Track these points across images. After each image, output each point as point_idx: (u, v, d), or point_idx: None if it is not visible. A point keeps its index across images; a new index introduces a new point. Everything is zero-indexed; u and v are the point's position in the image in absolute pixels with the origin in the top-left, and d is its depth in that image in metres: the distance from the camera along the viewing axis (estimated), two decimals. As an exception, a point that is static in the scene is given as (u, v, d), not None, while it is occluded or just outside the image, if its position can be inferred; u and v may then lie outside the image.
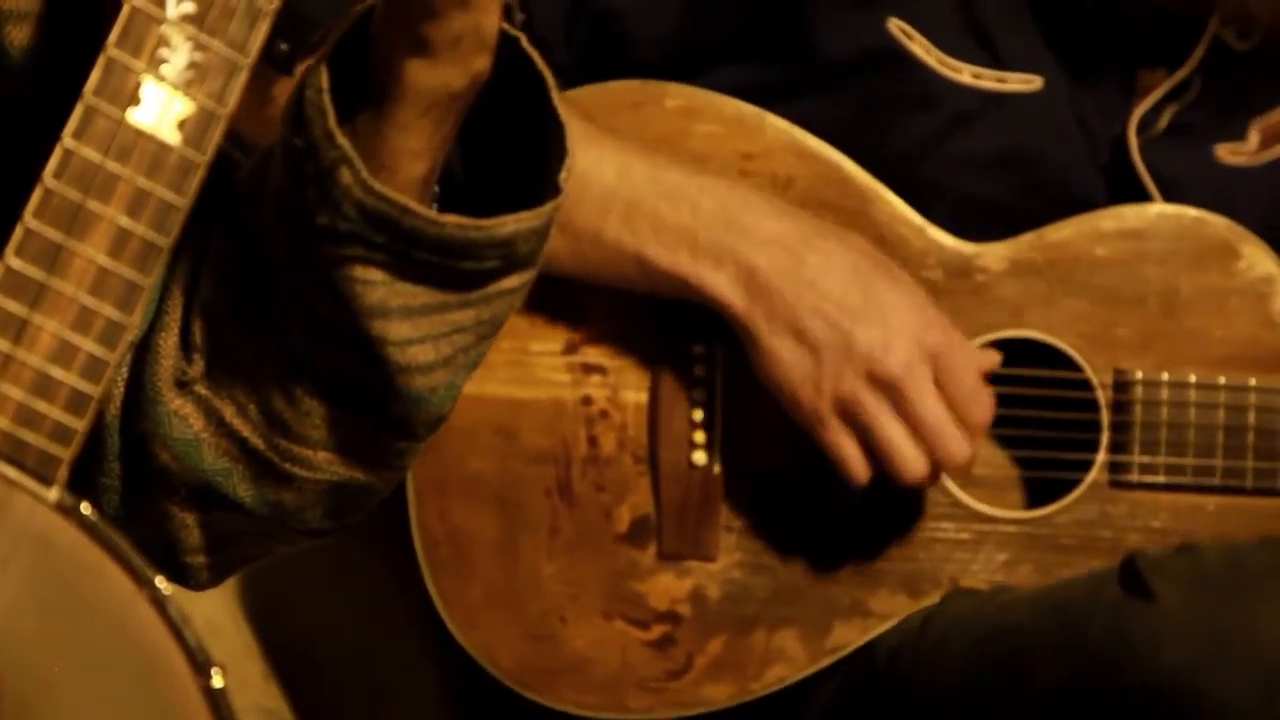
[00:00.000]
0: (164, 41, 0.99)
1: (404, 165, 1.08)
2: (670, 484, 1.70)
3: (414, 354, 1.11)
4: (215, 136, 1.01)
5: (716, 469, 1.70)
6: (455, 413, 1.68)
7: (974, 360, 1.65)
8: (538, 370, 1.70)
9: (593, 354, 1.70)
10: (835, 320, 1.63)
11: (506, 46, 1.09)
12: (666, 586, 1.70)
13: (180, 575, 1.17)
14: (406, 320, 1.10)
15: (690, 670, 1.70)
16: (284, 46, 1.08)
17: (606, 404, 1.70)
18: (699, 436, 1.70)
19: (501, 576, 1.69)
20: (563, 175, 1.11)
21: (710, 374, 1.70)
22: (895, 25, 1.67)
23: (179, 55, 0.99)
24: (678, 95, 1.70)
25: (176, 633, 1.00)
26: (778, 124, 1.70)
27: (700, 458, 1.70)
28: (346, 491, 1.16)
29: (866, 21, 1.67)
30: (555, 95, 1.11)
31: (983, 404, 1.64)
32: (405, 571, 1.68)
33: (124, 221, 1.00)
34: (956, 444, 1.63)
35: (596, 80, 1.69)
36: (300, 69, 1.09)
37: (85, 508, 1.00)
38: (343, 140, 1.07)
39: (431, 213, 1.09)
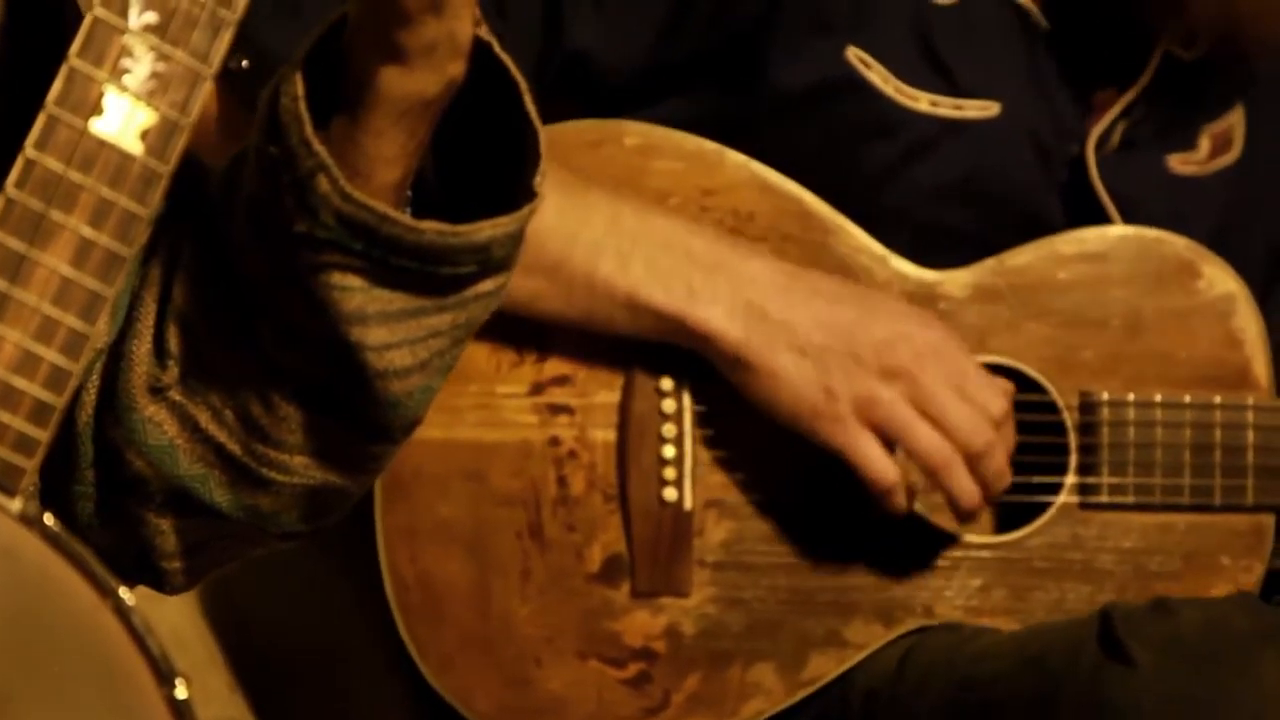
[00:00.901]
0: (126, 51, 0.99)
1: (379, 171, 1.08)
2: (641, 521, 1.70)
3: (391, 359, 1.11)
4: (178, 146, 1.01)
5: (688, 504, 1.70)
6: (423, 459, 1.70)
7: (973, 361, 1.65)
8: (504, 412, 1.70)
9: (559, 394, 1.70)
10: (835, 328, 1.63)
11: (479, 52, 1.10)
12: (641, 624, 1.70)
13: (155, 580, 1.17)
14: (384, 325, 1.10)
15: (668, 707, 1.70)
16: (244, 63, 1.09)
17: (575, 443, 1.70)
18: (669, 472, 1.70)
19: (475, 621, 1.68)
20: (537, 179, 1.12)
21: (679, 409, 1.70)
22: (854, 54, 1.69)
23: (141, 65, 0.99)
24: (636, 133, 1.71)
25: (140, 643, 0.99)
26: (737, 159, 1.71)
27: (671, 494, 1.70)
28: (322, 494, 1.16)
29: (825, 50, 1.68)
30: (528, 100, 1.12)
31: (996, 390, 1.63)
32: (374, 603, 1.68)
33: (87, 232, 1.00)
34: (976, 423, 1.61)
35: (556, 111, 1.70)
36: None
37: (48, 519, 1.00)
38: (320, 148, 1.07)
39: (410, 220, 1.09)
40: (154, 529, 1.15)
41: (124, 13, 0.99)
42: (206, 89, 1.01)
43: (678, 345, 1.67)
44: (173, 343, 1.13)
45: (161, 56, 0.99)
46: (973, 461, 1.64)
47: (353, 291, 1.10)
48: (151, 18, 0.99)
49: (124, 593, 1.00)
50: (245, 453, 1.13)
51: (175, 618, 1.57)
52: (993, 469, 1.64)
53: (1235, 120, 1.80)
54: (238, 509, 1.15)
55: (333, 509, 1.18)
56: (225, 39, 1.01)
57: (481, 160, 1.14)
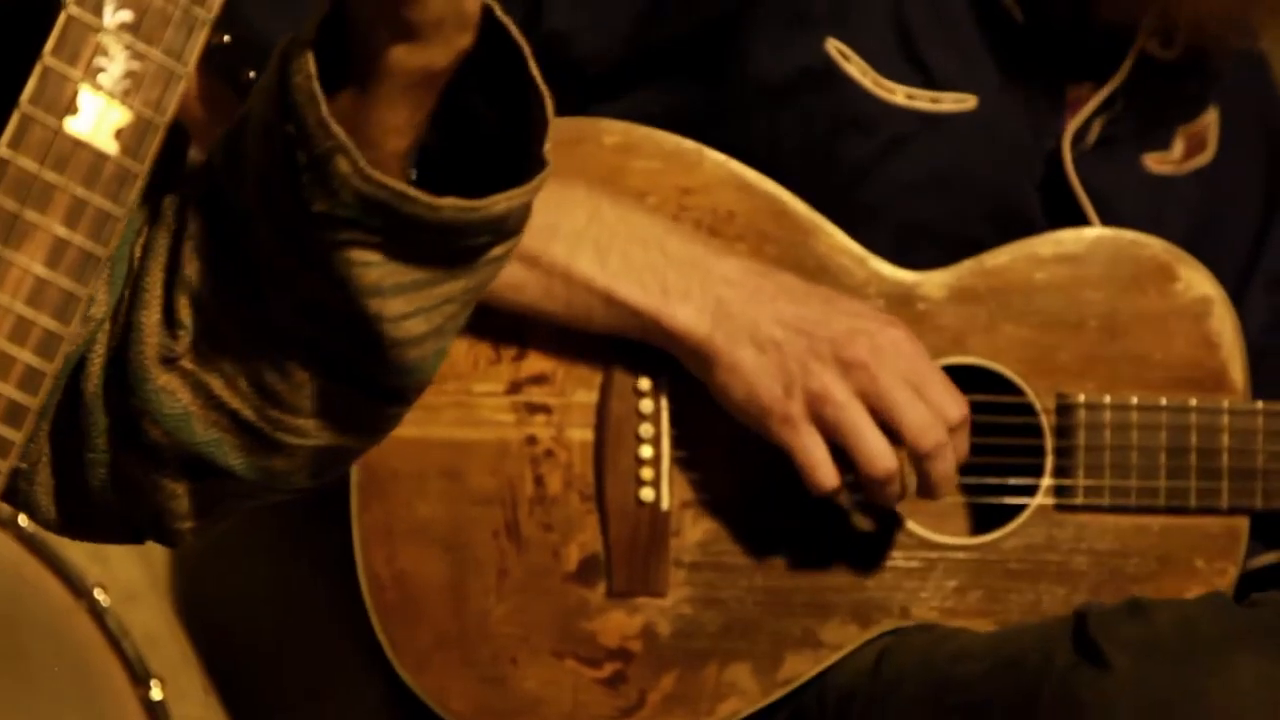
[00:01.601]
0: (101, 50, 0.99)
1: (388, 141, 1.09)
2: (618, 521, 1.70)
3: (408, 328, 1.12)
4: (153, 146, 1.01)
5: (665, 505, 1.70)
6: (400, 457, 1.70)
7: (934, 365, 1.66)
8: (482, 411, 1.70)
9: (537, 393, 1.70)
10: (797, 324, 1.64)
11: (482, 18, 1.10)
12: (617, 624, 1.70)
13: (166, 538, 1.18)
14: (400, 296, 1.11)
15: (643, 707, 1.70)
16: (251, 74, 1.09)
17: (552, 443, 1.70)
18: (646, 473, 1.70)
19: (451, 620, 1.68)
20: (546, 146, 1.12)
21: (656, 409, 1.70)
22: (833, 46, 1.69)
23: (116, 64, 0.99)
24: (615, 131, 1.71)
25: (115, 645, 0.99)
26: (716, 158, 1.71)
27: (648, 494, 1.70)
28: (335, 454, 1.17)
29: (804, 41, 1.68)
30: (532, 65, 1.12)
31: (952, 393, 1.64)
32: (350, 602, 1.68)
33: (61, 231, 0.99)
34: (927, 422, 1.62)
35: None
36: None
37: (23, 520, 1.00)
38: (338, 129, 1.07)
39: (429, 197, 1.10)
40: (169, 494, 1.16)
41: (99, 11, 0.98)
42: (181, 88, 1.01)
43: (651, 344, 1.67)
44: (183, 312, 1.13)
45: (136, 55, 0.99)
46: (920, 461, 1.64)
47: (371, 266, 1.10)
48: (126, 16, 0.99)
49: (99, 594, 1.00)
50: (260, 418, 1.14)
51: (149, 618, 1.57)
52: (939, 471, 1.65)
53: (1209, 121, 1.81)
54: (253, 471, 1.16)
55: (343, 465, 1.20)
56: (200, 37, 1.01)
57: (483, 126, 1.14)
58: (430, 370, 1.15)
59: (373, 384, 1.14)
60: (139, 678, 0.99)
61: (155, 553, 1.71)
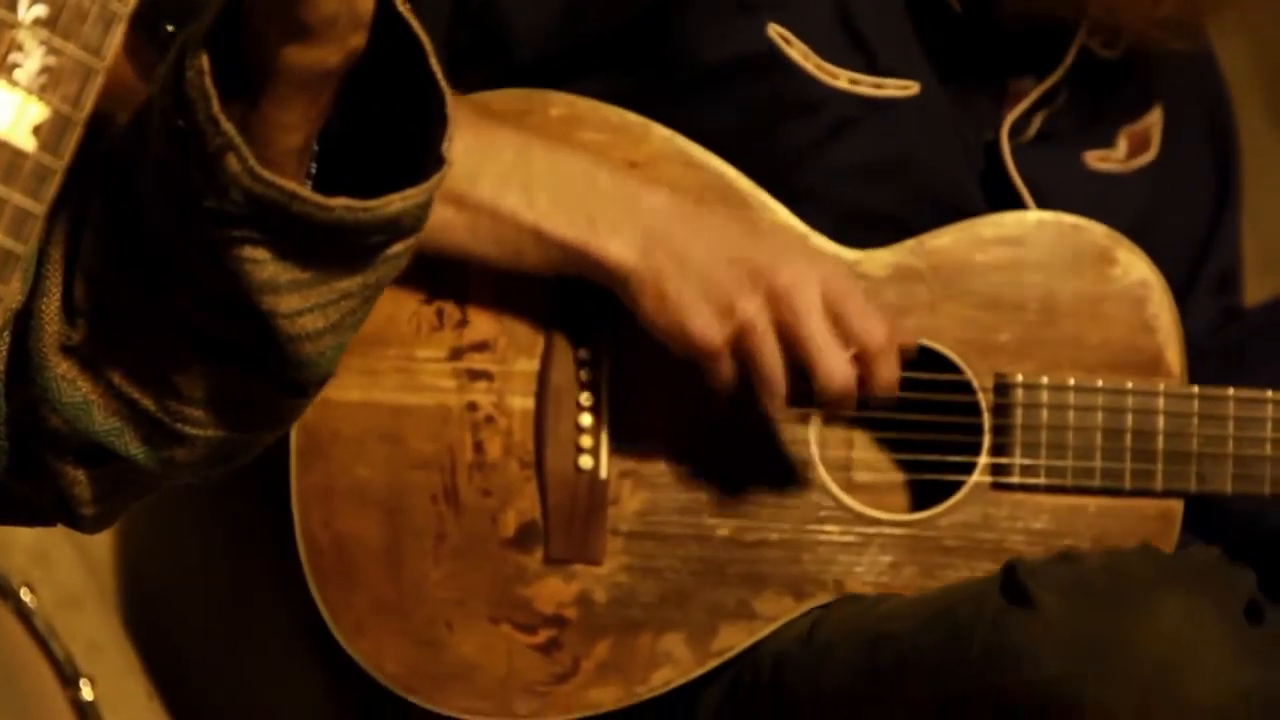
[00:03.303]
0: (16, 46, 0.98)
1: (279, 138, 1.08)
2: (557, 488, 1.70)
3: (304, 324, 1.12)
4: (72, 141, 1.00)
5: (603, 473, 1.71)
6: (341, 420, 1.70)
7: (856, 291, 1.66)
8: (423, 376, 1.70)
9: (478, 359, 1.70)
10: (724, 254, 1.64)
11: (384, 12, 1.09)
12: (553, 591, 1.70)
13: (72, 523, 1.18)
14: (295, 293, 1.11)
15: (577, 674, 1.70)
16: (170, 28, 1.08)
17: (492, 409, 1.70)
18: (585, 440, 1.71)
19: (387, 583, 1.69)
20: (445, 145, 1.12)
21: (597, 378, 1.71)
22: (774, 30, 1.69)
23: (32, 60, 0.98)
24: (561, 104, 1.70)
25: (43, 645, 0.99)
26: (662, 132, 1.71)
27: (587, 461, 1.71)
28: (236, 444, 1.17)
29: (746, 26, 1.68)
30: (433, 60, 1.12)
31: (876, 316, 1.64)
32: (289, 587, 1.68)
33: (-22, 228, 0.99)
34: (837, 365, 1.63)
35: (476, 87, 1.69)
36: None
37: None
38: (227, 126, 1.07)
39: (319, 197, 1.09)
40: (70, 479, 1.16)
41: (13, 6, 0.97)
42: (100, 82, 1.00)
43: (584, 278, 1.66)
44: (82, 300, 1.13)
45: (52, 50, 0.98)
46: (828, 402, 1.65)
47: (262, 263, 1.10)
48: (41, 11, 0.98)
49: (25, 594, 1.00)
50: (159, 408, 1.14)
51: (92, 624, 1.57)
52: (847, 406, 1.66)
53: (1153, 121, 1.81)
54: (153, 460, 1.15)
55: (245, 456, 1.20)
56: (118, 32, 1.00)
57: (388, 122, 1.14)
58: (329, 364, 1.15)
59: (271, 376, 1.14)
60: (68, 678, 0.99)
61: (98, 558, 1.71)
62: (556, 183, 1.64)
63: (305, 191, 1.09)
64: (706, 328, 1.63)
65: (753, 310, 1.63)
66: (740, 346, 1.64)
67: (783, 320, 1.63)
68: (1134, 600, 1.54)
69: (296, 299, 1.11)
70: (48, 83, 0.99)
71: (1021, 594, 1.56)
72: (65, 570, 1.60)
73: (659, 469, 1.71)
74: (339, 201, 1.09)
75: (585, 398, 1.70)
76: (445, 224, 1.63)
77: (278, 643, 1.73)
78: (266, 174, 1.08)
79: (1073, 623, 1.53)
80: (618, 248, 1.63)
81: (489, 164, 1.63)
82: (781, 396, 1.65)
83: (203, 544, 1.75)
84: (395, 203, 1.10)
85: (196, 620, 1.80)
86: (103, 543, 1.67)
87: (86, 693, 1.00)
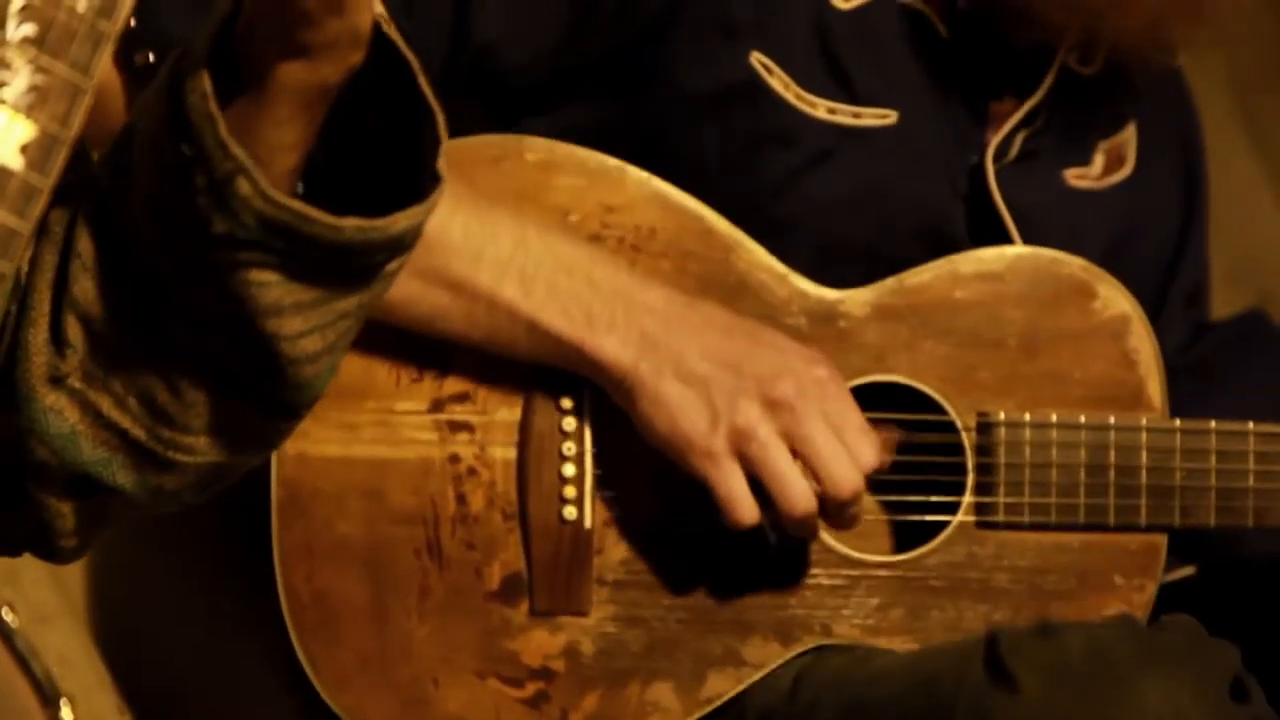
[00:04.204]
0: (4, 64, 0.98)
1: (279, 159, 1.09)
2: (541, 539, 1.69)
3: (304, 346, 1.13)
4: (59, 161, 1.00)
5: (588, 523, 1.70)
6: (322, 476, 1.69)
7: (855, 407, 1.66)
8: (404, 430, 1.69)
9: (459, 411, 1.70)
10: (723, 359, 1.64)
11: (372, 35, 1.10)
12: (540, 643, 1.69)
13: (47, 555, 1.17)
14: (298, 315, 1.12)
15: (566, 727, 1.69)
16: (149, 58, 1.08)
17: (474, 461, 1.69)
18: (569, 491, 1.70)
19: (372, 639, 1.67)
20: (440, 162, 1.12)
21: (579, 427, 1.70)
22: (756, 59, 1.69)
23: (20, 78, 0.98)
24: (537, 149, 1.70)
25: (23, 665, 0.98)
26: (638, 175, 1.71)
27: (571, 512, 1.70)
28: (224, 470, 1.17)
29: (729, 54, 1.69)
30: (422, 80, 1.12)
31: (871, 441, 1.65)
32: (264, 607, 1.67)
33: (-34, 246, 0.98)
34: (846, 473, 1.63)
35: (462, 115, 1.69)
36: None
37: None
38: (237, 150, 1.07)
39: (330, 218, 1.10)
40: (54, 512, 1.15)
41: (1, 25, 0.97)
42: (88, 101, 1.00)
43: (576, 373, 1.67)
44: (71, 331, 1.12)
45: (40, 69, 0.98)
46: (833, 506, 1.65)
47: (269, 286, 1.10)
48: (30, 30, 0.98)
49: (7, 614, 0.98)
50: (150, 437, 1.14)
51: (64, 639, 1.56)
52: (852, 514, 1.66)
53: (1128, 137, 1.82)
54: (141, 490, 1.15)
55: (229, 480, 1.20)
56: (105, 51, 1.00)
57: (372, 143, 1.15)
58: (323, 385, 1.16)
59: (267, 400, 1.14)
60: (48, 698, 0.98)
61: (68, 574, 1.70)
62: (553, 275, 1.64)
63: (317, 213, 1.10)
64: (704, 435, 1.63)
65: (754, 417, 1.62)
66: (746, 455, 1.63)
67: (788, 431, 1.63)
68: (1116, 684, 1.54)
69: (299, 321, 1.11)
70: (35, 101, 0.99)
71: (1003, 673, 1.55)
72: (36, 586, 1.59)
73: (643, 517, 1.71)
74: (349, 222, 1.10)
75: (568, 447, 1.70)
76: (444, 310, 1.63)
77: (249, 657, 1.71)
78: (279, 196, 1.08)
79: (1054, 708, 1.53)
80: (613, 347, 1.64)
81: (488, 249, 1.63)
82: (809, 505, 1.63)
83: (173, 559, 1.74)
84: (402, 221, 1.11)
85: (167, 636, 1.79)
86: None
87: (65, 712, 0.99)
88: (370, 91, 1.12)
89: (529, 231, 1.65)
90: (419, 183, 1.12)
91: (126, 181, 1.11)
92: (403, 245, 1.12)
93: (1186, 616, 1.60)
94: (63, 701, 0.99)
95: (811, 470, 1.64)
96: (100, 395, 1.13)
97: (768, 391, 1.63)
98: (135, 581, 1.76)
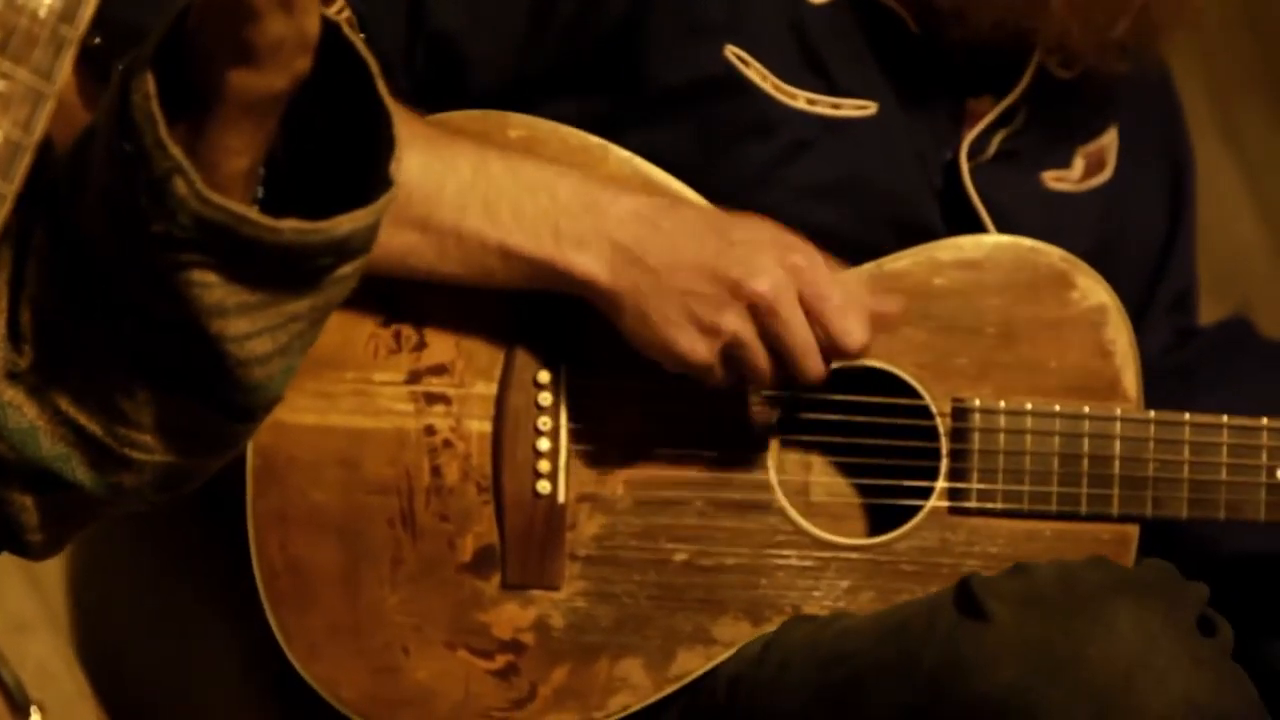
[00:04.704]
0: (-34, 70, 0.98)
1: (227, 162, 1.09)
2: (514, 513, 1.70)
3: (252, 348, 1.12)
4: (23, 166, 1.00)
5: (561, 497, 1.70)
6: (297, 444, 1.70)
7: (839, 281, 1.66)
8: (381, 400, 1.69)
9: (436, 383, 1.70)
10: (699, 267, 1.64)
11: (330, 35, 1.10)
12: (510, 616, 1.70)
13: (19, 550, 1.17)
14: (244, 316, 1.11)
15: (534, 700, 1.70)
16: (96, 40, 1.07)
17: (450, 433, 1.70)
18: (543, 465, 1.70)
19: (344, 608, 1.68)
20: (392, 167, 1.12)
21: (555, 402, 1.70)
22: (731, 52, 1.69)
23: (-18, 84, 0.98)
24: (520, 125, 1.70)
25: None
26: (620, 154, 1.71)
27: (545, 486, 1.70)
28: (183, 470, 1.17)
29: (703, 48, 1.68)
30: (379, 83, 1.12)
31: (854, 313, 1.65)
32: (241, 615, 1.67)
33: (-72, 251, 0.98)
34: (816, 365, 1.65)
35: (435, 110, 1.69)
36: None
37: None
38: (175, 150, 1.07)
39: (268, 220, 1.10)
40: (18, 506, 1.16)
41: (-37, 32, 0.97)
42: (50, 107, 1.00)
43: (547, 317, 1.66)
44: (27, 327, 1.13)
45: (2, 75, 0.98)
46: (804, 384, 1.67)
47: (211, 287, 1.10)
48: (-8, 36, 0.98)
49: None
50: (106, 433, 1.14)
51: (43, 650, 1.56)
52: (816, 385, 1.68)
53: (1109, 142, 1.82)
54: (100, 486, 1.15)
55: (193, 481, 1.20)
56: (68, 56, 1.00)
57: (336, 144, 1.14)
58: (278, 388, 1.15)
59: (219, 401, 1.14)
60: (18, 705, 0.99)
61: (48, 583, 1.70)
62: (517, 195, 1.63)
63: (254, 214, 1.09)
64: (695, 346, 1.64)
65: (738, 324, 1.64)
66: (731, 358, 1.65)
67: (767, 330, 1.64)
68: (1087, 610, 1.54)
69: (245, 322, 1.11)
70: (-3, 107, 0.99)
71: (975, 606, 1.56)
72: (15, 596, 1.60)
73: (617, 493, 1.71)
74: (288, 224, 1.10)
75: (544, 421, 1.70)
76: (412, 249, 1.63)
77: (230, 668, 1.72)
78: (215, 197, 1.08)
79: (1026, 633, 1.54)
80: (585, 262, 1.63)
81: (448, 182, 1.62)
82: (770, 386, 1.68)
83: (153, 569, 1.74)
84: (344, 224, 1.11)
85: (147, 646, 1.79)
86: (53, 568, 1.66)
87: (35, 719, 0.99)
88: (327, 95, 1.11)
89: (489, 155, 1.64)
90: (369, 184, 1.12)
91: (84, 178, 1.11)
92: (349, 248, 1.12)
93: (1160, 560, 1.61)
94: (32, 708, 0.99)
95: (788, 363, 1.65)
96: (57, 391, 1.13)
97: (746, 293, 1.63)
98: (116, 593, 1.76)
